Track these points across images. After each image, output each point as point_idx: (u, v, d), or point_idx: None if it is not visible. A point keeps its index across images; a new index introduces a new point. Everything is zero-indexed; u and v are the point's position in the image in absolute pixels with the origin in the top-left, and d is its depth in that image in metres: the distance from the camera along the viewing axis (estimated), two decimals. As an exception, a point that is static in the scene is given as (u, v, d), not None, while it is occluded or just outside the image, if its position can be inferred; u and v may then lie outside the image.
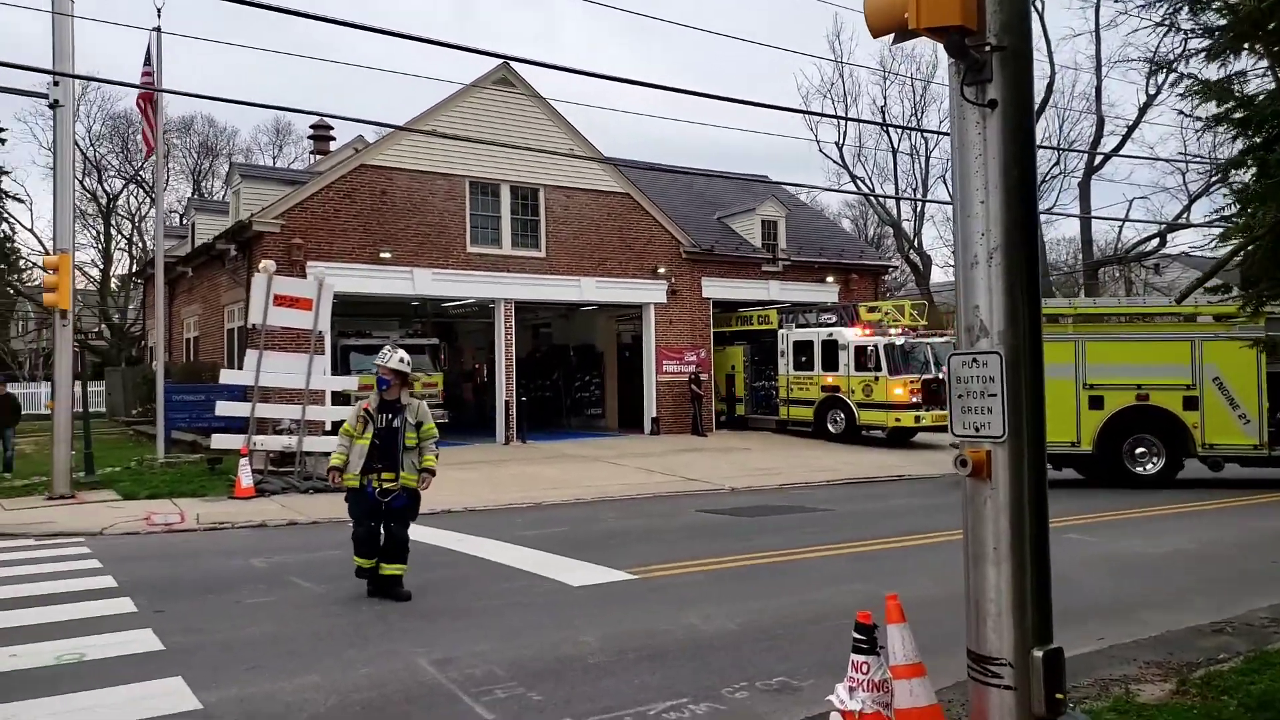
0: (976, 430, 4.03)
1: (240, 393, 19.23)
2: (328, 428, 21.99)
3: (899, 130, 49.40)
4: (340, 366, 24.85)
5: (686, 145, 76.69)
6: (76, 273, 49.25)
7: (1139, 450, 16.90)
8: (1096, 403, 16.74)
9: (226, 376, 18.19)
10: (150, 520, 13.69)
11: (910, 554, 11.22)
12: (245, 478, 16.07)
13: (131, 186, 49.02)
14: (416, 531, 12.64)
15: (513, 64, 24.96)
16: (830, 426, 26.55)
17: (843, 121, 46.83)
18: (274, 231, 22.21)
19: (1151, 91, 38.36)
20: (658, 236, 28.24)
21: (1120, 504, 15.17)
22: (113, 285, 49.39)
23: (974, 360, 4.04)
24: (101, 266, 47.88)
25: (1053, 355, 16.63)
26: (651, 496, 16.93)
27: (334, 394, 23.57)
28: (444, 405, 26.22)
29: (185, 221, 33.99)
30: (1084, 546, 11.70)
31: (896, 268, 48.96)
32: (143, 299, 42.27)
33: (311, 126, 38.64)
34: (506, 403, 25.65)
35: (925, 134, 45.22)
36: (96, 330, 49.44)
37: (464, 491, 17.04)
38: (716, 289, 29.55)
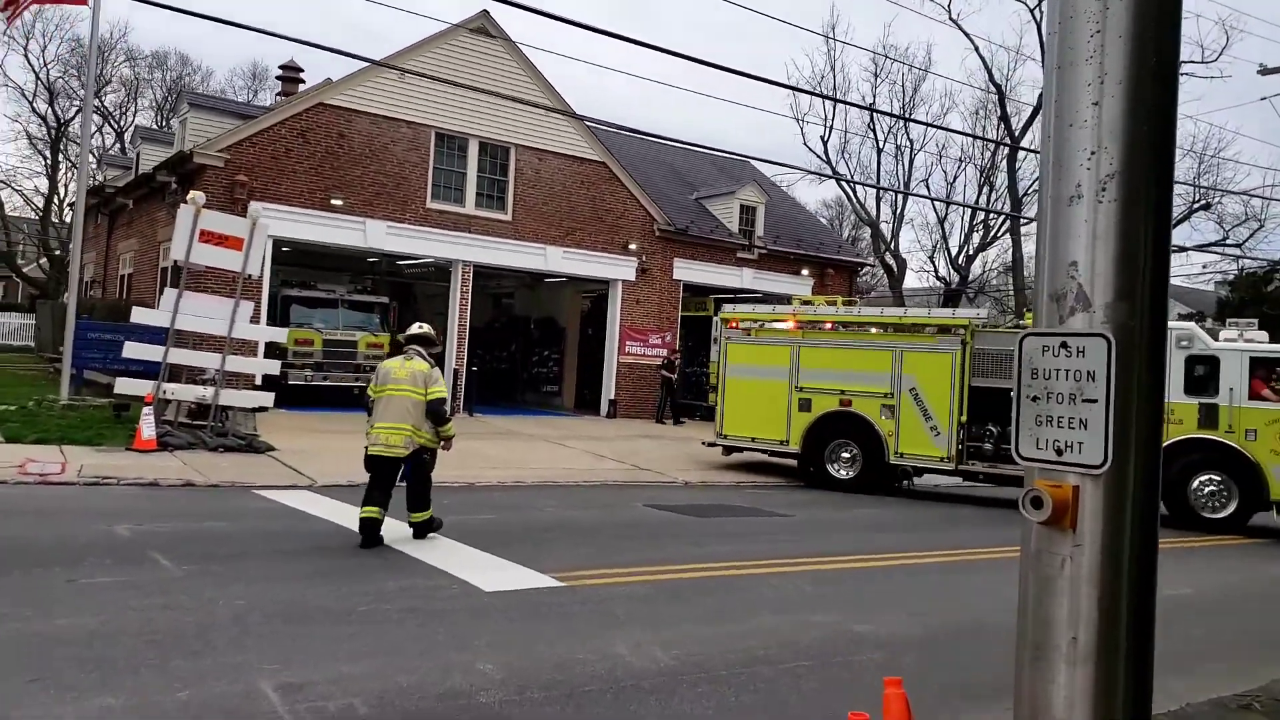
0: (1058, 453, 2.61)
1: (162, 335, 17.61)
2: (258, 381, 20.41)
3: (885, 127, 48.15)
4: (280, 317, 23.13)
5: (670, 130, 75.13)
6: (19, 199, 47.18)
7: (844, 454, 17.03)
8: (805, 405, 17.21)
9: (139, 315, 16.41)
10: (24, 469, 12.02)
11: (876, 577, 9.88)
12: (147, 428, 14.41)
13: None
14: (320, 507, 11.20)
15: (493, 12, 23.42)
16: None
17: (829, 113, 45.40)
18: (217, 165, 20.45)
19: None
20: (632, 211, 26.73)
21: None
22: (64, 216, 47.00)
23: (1063, 346, 2.62)
24: (46, 195, 45.44)
25: (766, 358, 17.84)
26: (598, 485, 15.50)
27: (269, 345, 21.97)
28: (389, 369, 24.60)
29: (133, 150, 31.97)
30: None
31: (872, 266, 47.75)
32: (83, 231, 40.05)
33: (281, 67, 36.58)
34: (455, 371, 24.05)
35: (912, 122, 43.91)
36: (36, 262, 47.12)
37: (393, 463, 15.52)
38: (688, 272, 28.12)
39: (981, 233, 48.22)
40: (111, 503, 10.71)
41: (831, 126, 45.49)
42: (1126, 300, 2.54)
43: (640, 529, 11.63)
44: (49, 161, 45.56)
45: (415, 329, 9.94)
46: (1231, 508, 14.16)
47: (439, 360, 10.55)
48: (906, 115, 42.66)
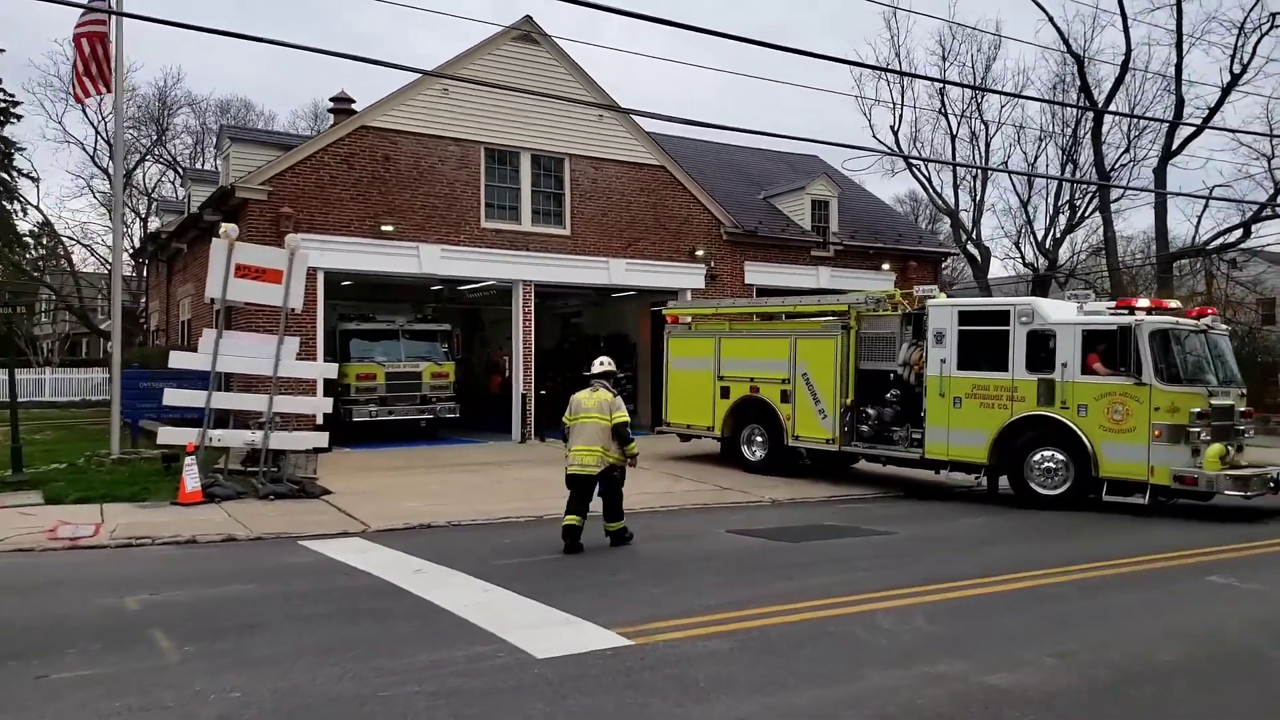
0: None
1: (213, 379, 16.90)
2: (319, 420, 19.57)
3: (958, 111, 46.03)
4: (340, 353, 22.34)
5: (735, 135, 73.60)
6: (87, 253, 47.79)
7: (757, 438, 17.84)
8: (725, 393, 18.21)
9: (177, 360, 15.56)
10: (54, 533, 11.16)
11: (1006, 604, 8.31)
12: (190, 480, 13.48)
13: (148, 161, 47.06)
14: (366, 558, 10.12)
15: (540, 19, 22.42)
16: None
17: (898, 98, 43.55)
18: (260, 199, 19.70)
19: (1237, 70, 34.73)
20: (696, 215, 25.39)
21: (1236, 534, 12.11)
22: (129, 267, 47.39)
23: None
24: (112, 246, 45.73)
25: (697, 350, 18.82)
26: (676, 509, 14.14)
27: (331, 382, 21.16)
28: (456, 399, 23.60)
29: (183, 194, 31.77)
30: (1242, 598, 8.72)
31: (955, 253, 45.43)
32: (146, 279, 40.04)
33: (332, 99, 36.23)
34: (524, 396, 22.99)
35: (987, 92, 41.70)
36: (102, 313, 47.61)
37: (455, 499, 14.42)
38: (761, 274, 26.60)
39: (1068, 214, 45.68)
40: (136, 568, 9.72)
41: (901, 115, 43.71)
42: None
43: (723, 562, 10.22)
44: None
45: (599, 367, 11.17)
46: (1067, 484, 13.79)
47: (620, 386, 11.57)
48: (981, 86, 40.44)
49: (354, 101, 35.90)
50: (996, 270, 51.39)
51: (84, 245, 47.60)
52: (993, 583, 9.07)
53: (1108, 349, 13.46)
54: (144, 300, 39.66)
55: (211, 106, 53.20)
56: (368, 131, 20.97)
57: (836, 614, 7.76)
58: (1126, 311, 13.69)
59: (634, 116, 24.03)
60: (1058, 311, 14.33)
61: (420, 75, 20.64)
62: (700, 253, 25.18)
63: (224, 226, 15.10)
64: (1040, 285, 46.00)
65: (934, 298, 15.82)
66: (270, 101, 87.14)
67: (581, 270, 23.54)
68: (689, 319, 19.77)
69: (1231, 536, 11.89)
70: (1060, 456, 13.83)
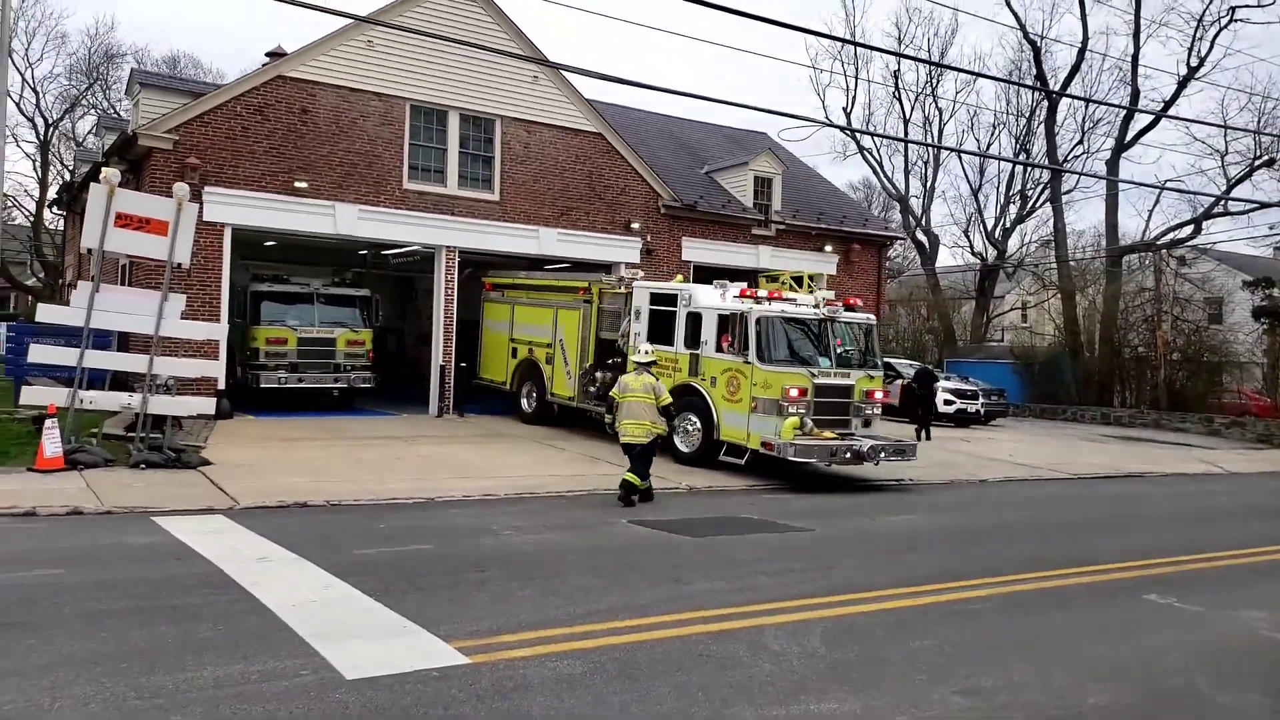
0: None
1: (107, 338, 15.62)
2: (221, 385, 18.38)
3: (911, 96, 45.45)
4: (250, 315, 21.05)
5: (680, 107, 72.39)
6: (9, 205, 45.58)
7: (532, 393, 20.96)
8: (515, 352, 21.31)
9: (45, 314, 14.29)
10: None
11: (920, 623, 7.42)
12: (49, 445, 12.26)
13: (79, 110, 44.80)
14: (215, 541, 9.03)
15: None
16: None
17: (852, 78, 42.74)
18: (164, 148, 18.30)
19: (1194, 63, 34.33)
20: (633, 187, 24.32)
21: (1176, 545, 11.43)
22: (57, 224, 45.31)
23: None
24: (38, 200, 43.43)
25: (501, 314, 21.99)
26: (584, 494, 13.23)
27: (238, 347, 19.96)
28: (373, 368, 22.35)
29: (98, 141, 29.99)
30: (1183, 623, 7.90)
31: (901, 239, 44.75)
32: (64, 233, 38.09)
33: (268, 54, 34.53)
34: (441, 368, 21.84)
35: (944, 68, 41.02)
36: (30, 270, 45.40)
37: (345, 475, 13.34)
38: (699, 252, 25.61)
39: (1019, 204, 45.28)
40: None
41: (854, 97, 42.92)
42: None
43: (609, 558, 9.27)
44: (39, 164, 43.70)
45: (644, 356, 13.72)
46: (699, 444, 15.95)
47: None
48: (938, 62, 39.66)
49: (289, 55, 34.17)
50: (945, 259, 50.95)
51: (6, 196, 45.36)
52: (909, 594, 8.22)
53: (731, 331, 15.40)
54: (63, 255, 37.83)
55: (158, 61, 50.97)
56: (284, 81, 19.64)
57: (720, 629, 6.86)
58: (749, 300, 15.40)
59: (571, 80, 22.86)
60: (706, 297, 16.31)
61: (347, 22, 19.31)
62: (636, 226, 24.16)
63: (104, 171, 13.83)
64: (988, 275, 45.64)
65: (639, 279, 18.12)
66: (215, 59, 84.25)
67: (510, 238, 22.40)
68: (500, 287, 22.58)
69: (1171, 548, 11.21)
70: (696, 421, 16.02)
